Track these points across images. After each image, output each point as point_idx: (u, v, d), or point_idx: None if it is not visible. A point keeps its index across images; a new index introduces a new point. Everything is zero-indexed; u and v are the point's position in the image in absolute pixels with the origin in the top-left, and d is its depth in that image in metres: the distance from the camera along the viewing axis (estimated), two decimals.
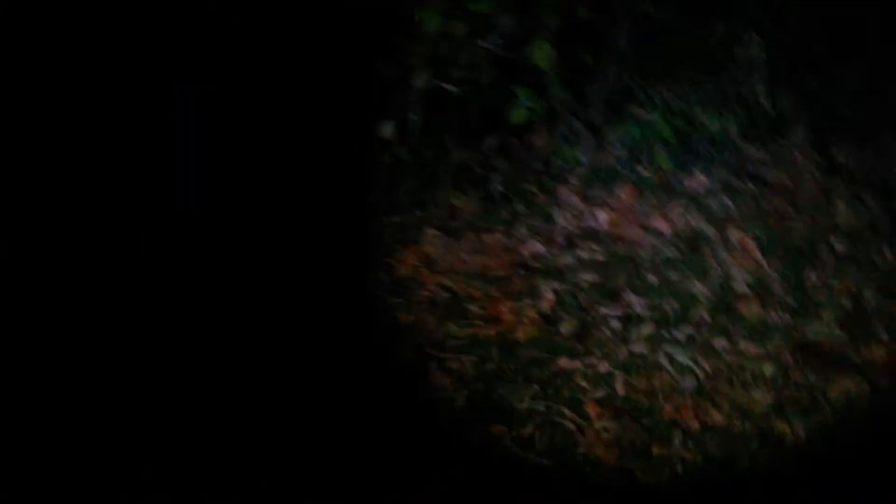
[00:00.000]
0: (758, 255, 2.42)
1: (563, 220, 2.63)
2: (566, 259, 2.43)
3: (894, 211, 2.56)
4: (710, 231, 2.53)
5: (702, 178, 2.76)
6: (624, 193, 2.71)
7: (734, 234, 2.49)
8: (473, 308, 2.19)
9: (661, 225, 2.57)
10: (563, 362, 1.95)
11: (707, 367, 1.95)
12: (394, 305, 2.17)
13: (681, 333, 2.07)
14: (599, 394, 1.85)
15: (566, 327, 2.09)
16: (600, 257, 2.44)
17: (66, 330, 1.71)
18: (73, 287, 1.76)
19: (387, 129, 2.62)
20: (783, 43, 2.74)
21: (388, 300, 2.20)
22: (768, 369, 1.95)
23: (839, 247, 2.46)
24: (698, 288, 2.26)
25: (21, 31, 1.75)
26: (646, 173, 2.78)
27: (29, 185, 1.75)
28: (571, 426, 1.77)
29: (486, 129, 2.79)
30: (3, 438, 1.55)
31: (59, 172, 1.79)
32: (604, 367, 1.92)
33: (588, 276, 2.34)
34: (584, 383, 1.87)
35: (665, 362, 1.95)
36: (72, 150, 1.82)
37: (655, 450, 1.77)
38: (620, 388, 1.86)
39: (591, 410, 1.78)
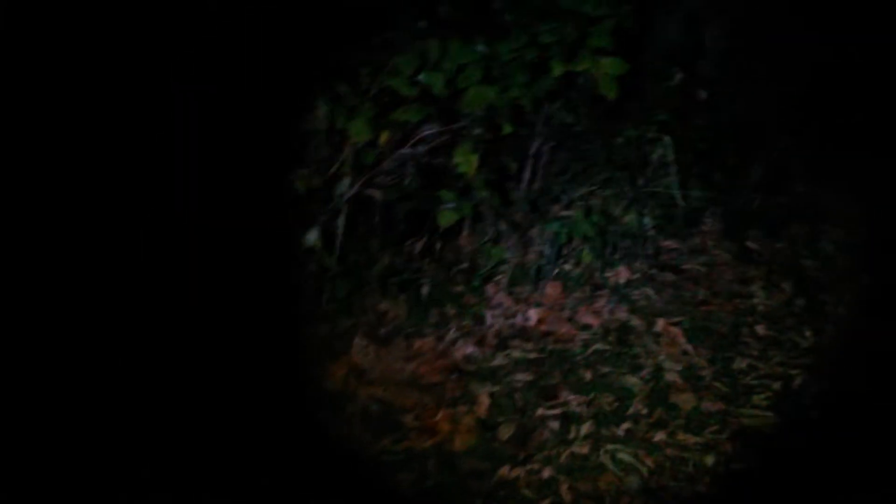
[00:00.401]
0: (683, 342, 2.42)
1: (493, 319, 2.59)
2: (499, 360, 2.37)
3: (809, 295, 2.63)
4: (635, 321, 2.54)
5: (623, 270, 2.79)
6: (551, 289, 2.71)
7: (659, 324, 2.50)
8: (408, 419, 2.08)
9: (589, 318, 2.56)
10: (505, 471, 1.85)
11: (650, 462, 1.89)
12: (323, 421, 2.05)
13: (620, 430, 2.02)
14: (545, 503, 1.75)
15: (505, 431, 2.01)
16: (533, 355, 2.39)
17: (64, 329, 1.67)
18: (70, 286, 1.72)
19: (312, 237, 2.56)
20: (691, 143, 2.87)
21: (317, 415, 2.08)
22: (709, 459, 1.91)
23: (761, 330, 2.49)
24: (632, 380, 2.23)
25: (21, 31, 1.70)
26: (570, 268, 2.80)
27: (26, 183, 1.69)
28: None
29: (411, 232, 2.77)
30: (3, 438, 1.50)
31: (53, 170, 1.74)
32: (547, 472, 1.84)
33: (522, 376, 2.28)
34: (528, 492, 1.78)
35: (608, 462, 1.88)
36: (61, 149, 1.78)
37: None
38: (566, 495, 1.77)
39: None
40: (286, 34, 2.36)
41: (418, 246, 2.80)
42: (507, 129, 2.70)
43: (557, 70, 2.68)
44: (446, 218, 2.67)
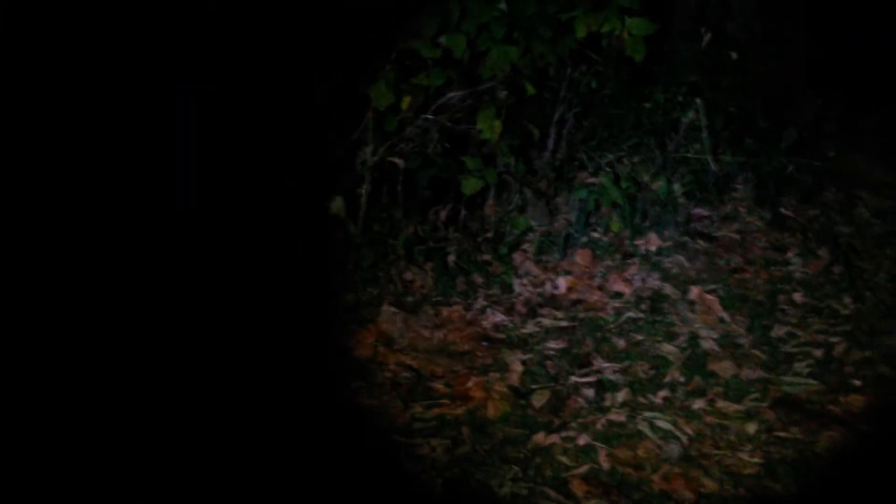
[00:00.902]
0: (719, 310, 2.35)
1: (521, 287, 2.52)
2: (529, 327, 2.30)
3: (848, 262, 2.54)
4: (669, 289, 2.46)
5: (653, 238, 2.71)
6: (579, 257, 2.63)
7: (693, 292, 2.42)
8: (439, 386, 2.02)
9: (620, 286, 2.48)
10: (540, 438, 1.79)
11: (689, 430, 1.83)
12: (354, 390, 1.99)
13: (657, 398, 1.95)
14: (583, 469, 1.69)
15: (538, 399, 1.94)
16: (564, 323, 2.32)
17: (58, 330, 1.65)
18: (62, 286, 1.69)
19: (335, 205, 2.49)
20: (721, 106, 2.77)
21: (347, 384, 2.02)
22: (751, 427, 1.84)
23: (798, 297, 2.41)
24: (667, 348, 2.16)
25: (21, 31, 1.68)
26: (598, 236, 2.72)
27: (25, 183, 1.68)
28: None
29: (435, 200, 2.70)
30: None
31: (52, 170, 1.72)
32: (583, 439, 1.77)
33: (554, 344, 2.21)
34: (565, 459, 1.72)
35: (646, 429, 1.82)
36: (61, 149, 1.77)
37: None
38: (605, 462, 1.71)
39: (578, 489, 1.62)
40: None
41: (442, 214, 2.73)
42: (530, 90, 2.62)
43: (582, 30, 2.59)
44: (470, 186, 2.60)
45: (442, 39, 2.43)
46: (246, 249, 2.28)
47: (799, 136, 2.97)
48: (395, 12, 2.36)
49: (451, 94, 2.52)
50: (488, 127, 2.59)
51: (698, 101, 2.63)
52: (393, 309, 2.26)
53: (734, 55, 2.82)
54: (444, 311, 2.35)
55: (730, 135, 2.84)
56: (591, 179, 2.75)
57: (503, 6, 2.42)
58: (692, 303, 2.37)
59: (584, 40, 2.67)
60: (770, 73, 2.95)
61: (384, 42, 2.35)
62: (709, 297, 2.37)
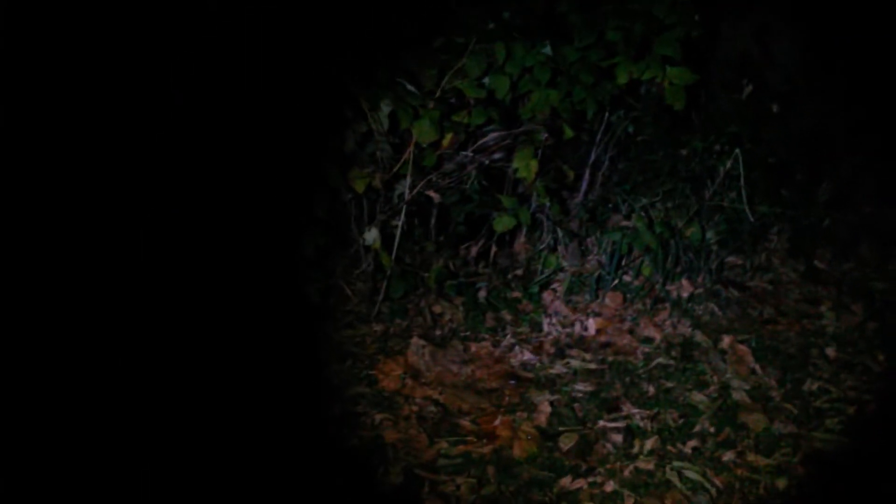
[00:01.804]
0: (751, 361, 2.32)
1: (550, 327, 2.51)
2: (557, 368, 2.29)
3: (881, 318, 2.50)
4: (700, 337, 2.43)
5: (685, 284, 2.69)
6: (610, 300, 2.62)
7: (725, 341, 2.39)
8: (465, 423, 2.01)
9: (651, 331, 2.47)
10: (566, 482, 1.77)
11: (718, 482, 1.79)
12: (378, 422, 1.99)
13: (687, 447, 1.92)
14: None
15: (566, 442, 1.92)
16: (592, 365, 2.30)
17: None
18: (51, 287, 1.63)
19: (371, 236, 2.52)
20: (760, 157, 2.76)
21: (372, 416, 2.02)
22: (781, 482, 1.80)
23: (831, 352, 2.37)
24: (697, 397, 2.13)
25: (21, 31, 1.63)
26: (630, 280, 2.71)
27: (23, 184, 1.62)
28: None
29: (468, 236, 2.71)
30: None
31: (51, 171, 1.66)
32: (610, 486, 1.75)
33: (582, 386, 2.20)
34: None
35: (675, 479, 1.79)
36: (60, 150, 1.69)
37: None
38: None
39: None
40: (349, 33, 2.33)
41: (474, 250, 2.74)
42: (569, 133, 2.64)
43: (623, 77, 2.61)
44: (503, 223, 2.61)
45: (486, 80, 2.47)
46: (280, 276, 2.30)
47: (836, 191, 2.95)
48: (441, 51, 2.40)
49: (491, 134, 2.54)
50: (525, 166, 2.61)
51: (737, 150, 2.62)
52: (421, 342, 2.26)
53: (775, 108, 2.81)
54: (473, 347, 2.35)
55: (767, 186, 2.83)
56: (625, 223, 2.75)
57: (548, 51, 2.45)
58: (724, 352, 2.34)
59: (624, 86, 2.70)
60: (810, 127, 2.94)
61: (429, 79, 2.38)
62: (741, 347, 2.34)
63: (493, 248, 2.71)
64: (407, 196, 2.48)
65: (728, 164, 2.75)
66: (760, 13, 3.11)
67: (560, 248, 2.76)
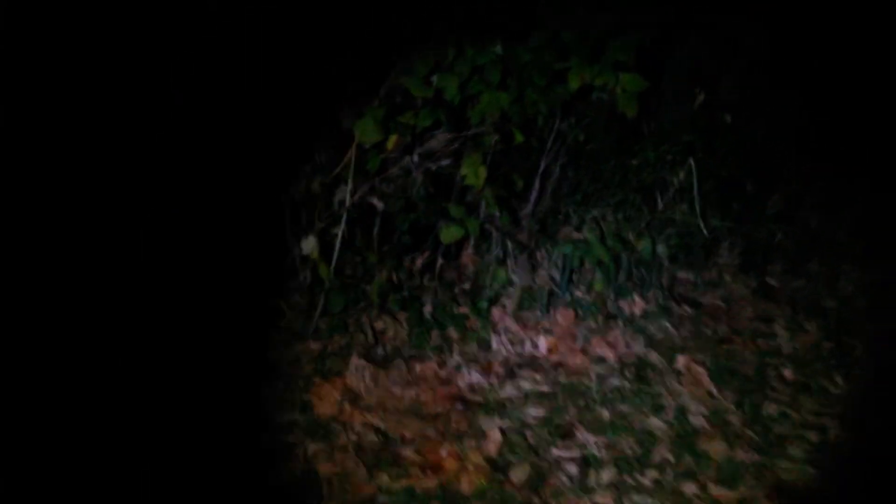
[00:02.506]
0: (708, 382, 2.20)
1: (499, 345, 2.35)
2: (507, 390, 2.13)
3: (835, 337, 2.43)
4: (654, 357, 2.31)
5: (637, 300, 2.57)
6: (561, 317, 2.48)
7: (680, 361, 2.28)
8: (408, 453, 1.82)
9: (604, 350, 2.33)
10: None
11: None
12: (313, 454, 1.79)
13: (646, 478, 1.78)
14: None
15: (517, 474, 1.76)
16: (545, 388, 2.15)
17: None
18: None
19: (308, 245, 2.30)
20: (712, 169, 2.67)
21: (305, 447, 1.81)
22: None
23: (788, 373, 2.28)
24: (655, 423, 2.00)
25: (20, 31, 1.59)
26: (581, 295, 2.57)
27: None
28: None
29: (413, 246, 2.53)
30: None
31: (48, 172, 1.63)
32: None
33: (534, 410, 2.04)
34: None
35: None
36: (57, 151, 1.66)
37: None
38: None
39: None
40: (293, 29, 2.14)
41: (419, 262, 2.56)
42: (519, 138, 2.49)
43: (575, 81, 2.47)
44: (450, 234, 2.43)
45: (434, 79, 2.29)
46: (201, 283, 2.07)
47: (785, 204, 2.89)
48: (389, 47, 2.22)
49: (439, 136, 2.37)
50: (473, 173, 2.45)
51: (691, 161, 2.52)
52: (362, 362, 2.06)
53: (728, 118, 2.73)
54: (418, 367, 2.16)
55: (718, 198, 2.74)
56: (576, 235, 2.62)
57: (499, 50, 2.30)
58: (679, 373, 2.22)
59: (576, 92, 2.57)
60: (761, 138, 2.87)
61: (375, 76, 2.19)
62: (696, 367, 2.22)
63: (440, 260, 2.54)
64: (348, 202, 2.28)
65: (681, 176, 2.65)
66: (713, 21, 3.04)
67: (510, 260, 2.60)
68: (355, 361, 2.05)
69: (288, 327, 2.27)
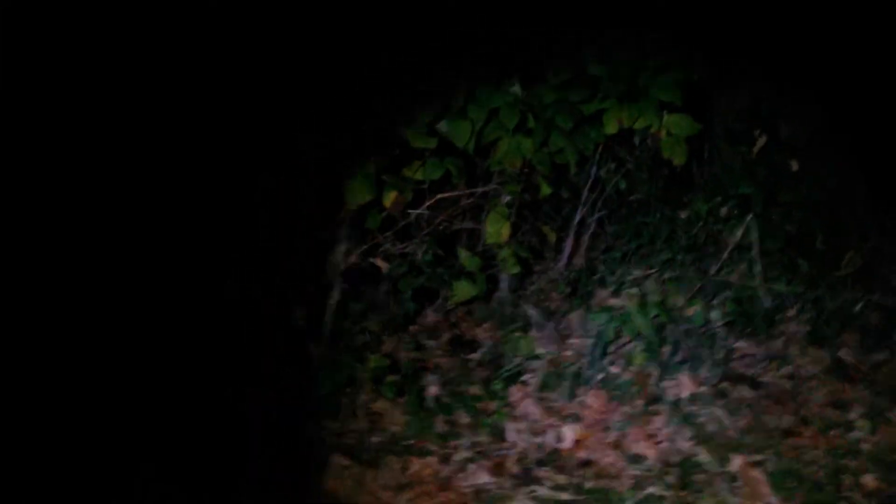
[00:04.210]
0: (768, 492, 1.79)
1: (516, 435, 1.98)
2: (521, 499, 1.76)
3: None
4: (703, 456, 1.91)
5: (686, 380, 2.17)
6: (592, 399, 2.10)
7: (735, 463, 1.87)
8: None
9: (642, 447, 1.94)
10: None
11: None
12: None
13: None
14: None
15: None
16: (566, 496, 1.77)
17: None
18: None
19: (299, 315, 2.01)
20: (775, 224, 2.27)
21: None
22: None
23: (868, 481, 1.85)
24: None
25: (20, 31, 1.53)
26: (618, 373, 2.18)
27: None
28: None
29: (419, 314, 2.21)
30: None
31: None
32: None
33: None
34: None
35: None
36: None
37: None
38: None
39: None
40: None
41: (430, 321, 2.24)
42: (545, 189, 2.16)
43: (611, 126, 2.15)
44: (463, 291, 2.11)
45: (441, 126, 1.98)
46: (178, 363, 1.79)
47: (863, 265, 2.45)
48: (381, 93, 1.92)
49: (448, 194, 2.05)
50: (496, 231, 2.12)
51: (749, 217, 2.12)
52: (344, 461, 1.73)
53: (795, 165, 2.32)
54: (415, 464, 1.82)
55: (783, 258, 2.33)
56: (613, 301, 2.24)
57: (517, 90, 1.98)
58: (733, 478, 1.81)
59: (613, 135, 2.22)
60: (834, 187, 2.45)
61: (365, 128, 1.89)
62: (754, 472, 1.81)
63: (452, 329, 2.20)
64: (341, 265, 1.97)
65: (738, 232, 2.25)
66: (773, 54, 2.64)
67: (534, 329, 2.24)
68: (337, 461, 1.72)
69: (275, 413, 1.96)
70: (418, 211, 2.03)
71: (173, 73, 1.76)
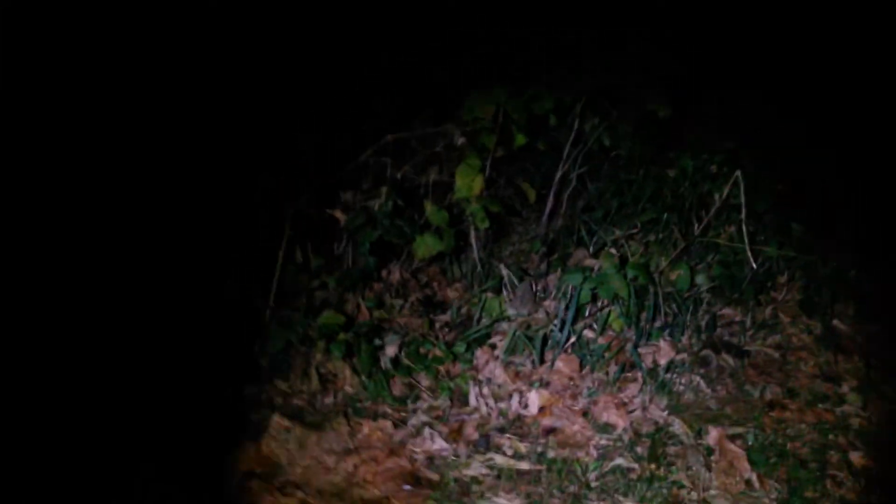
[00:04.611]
0: (746, 467, 1.64)
1: (479, 399, 1.84)
2: (475, 466, 1.62)
3: None
4: (678, 427, 1.76)
5: (665, 346, 2.02)
6: (563, 364, 1.95)
7: (712, 434, 1.72)
8: None
9: (612, 415, 1.79)
10: None
11: None
12: None
13: None
14: None
15: None
16: (525, 465, 1.63)
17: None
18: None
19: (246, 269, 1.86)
20: (766, 181, 2.10)
21: None
22: None
23: (857, 458, 1.70)
24: None
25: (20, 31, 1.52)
26: (592, 337, 2.03)
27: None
28: None
29: (380, 268, 2.05)
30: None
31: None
32: None
33: (506, 499, 1.53)
34: None
35: None
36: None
37: None
38: None
39: None
40: None
41: (395, 277, 2.09)
42: (521, 140, 1.99)
43: None
44: (425, 247, 1.96)
45: None
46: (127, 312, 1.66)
47: (859, 227, 2.28)
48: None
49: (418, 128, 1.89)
50: (466, 185, 1.96)
51: (737, 173, 1.95)
52: (285, 422, 1.59)
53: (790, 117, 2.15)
54: (365, 428, 1.68)
55: (775, 219, 2.16)
56: (590, 261, 2.08)
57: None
58: (709, 451, 1.67)
59: (597, 86, 2.05)
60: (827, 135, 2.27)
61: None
62: (732, 446, 1.67)
63: (413, 283, 2.05)
64: (291, 209, 1.82)
65: (725, 189, 2.08)
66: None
67: (506, 291, 2.09)
68: (277, 422, 1.58)
69: (223, 370, 1.82)
70: (370, 151, 1.85)
71: (173, 74, 1.73)
